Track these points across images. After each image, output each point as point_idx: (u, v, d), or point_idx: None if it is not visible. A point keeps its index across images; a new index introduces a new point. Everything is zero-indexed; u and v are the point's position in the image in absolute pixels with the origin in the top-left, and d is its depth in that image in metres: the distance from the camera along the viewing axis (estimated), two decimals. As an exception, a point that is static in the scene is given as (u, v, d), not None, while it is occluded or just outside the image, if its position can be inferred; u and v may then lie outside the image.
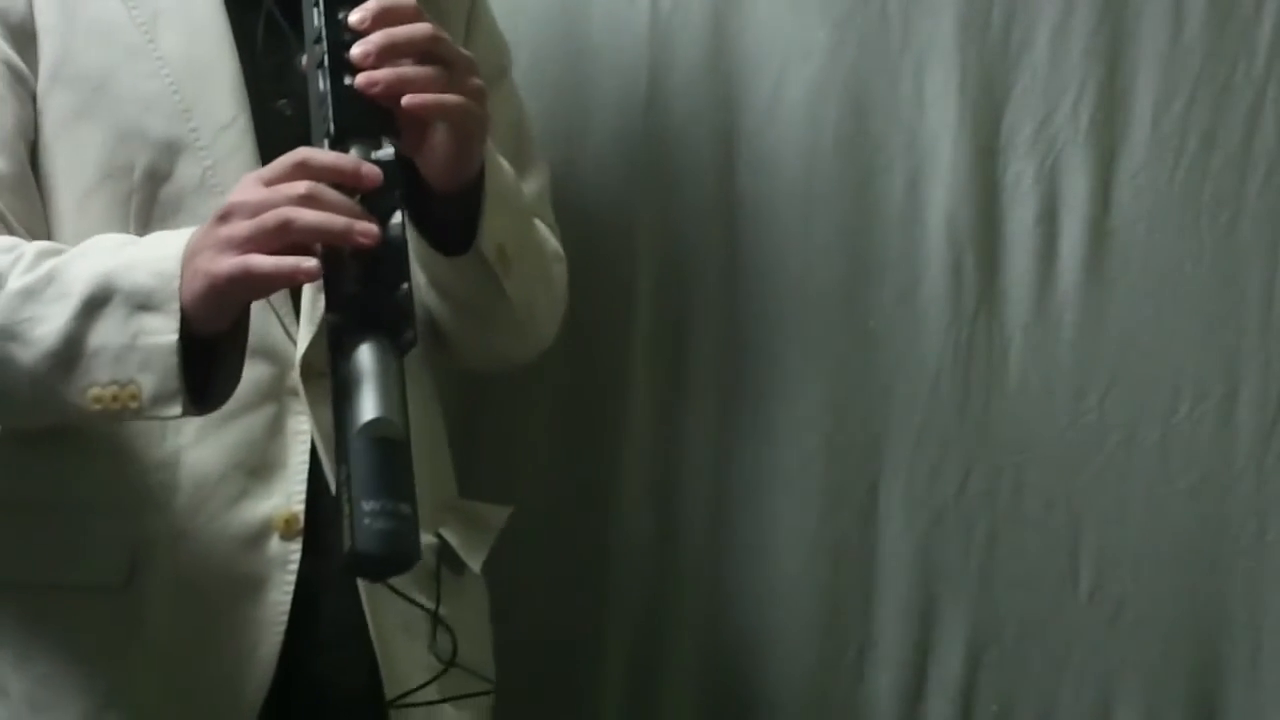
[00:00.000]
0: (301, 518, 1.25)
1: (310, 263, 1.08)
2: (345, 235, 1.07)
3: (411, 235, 1.22)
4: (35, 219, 1.25)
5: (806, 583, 1.66)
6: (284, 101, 1.18)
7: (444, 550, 1.34)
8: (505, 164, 1.31)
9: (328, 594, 1.25)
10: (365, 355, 1.07)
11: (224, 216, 1.11)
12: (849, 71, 1.66)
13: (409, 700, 1.25)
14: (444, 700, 1.29)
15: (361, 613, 1.26)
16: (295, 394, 1.25)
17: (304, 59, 1.16)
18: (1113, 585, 1.64)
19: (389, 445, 1.05)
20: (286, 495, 1.25)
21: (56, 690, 1.24)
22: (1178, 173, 1.64)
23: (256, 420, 1.25)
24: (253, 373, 1.22)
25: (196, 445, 1.24)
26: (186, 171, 1.25)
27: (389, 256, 1.09)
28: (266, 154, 1.21)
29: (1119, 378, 1.64)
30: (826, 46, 1.66)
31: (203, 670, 1.24)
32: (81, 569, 1.25)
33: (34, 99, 1.27)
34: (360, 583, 1.25)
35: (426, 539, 1.29)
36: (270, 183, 1.11)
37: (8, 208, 1.24)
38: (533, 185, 1.42)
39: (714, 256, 1.66)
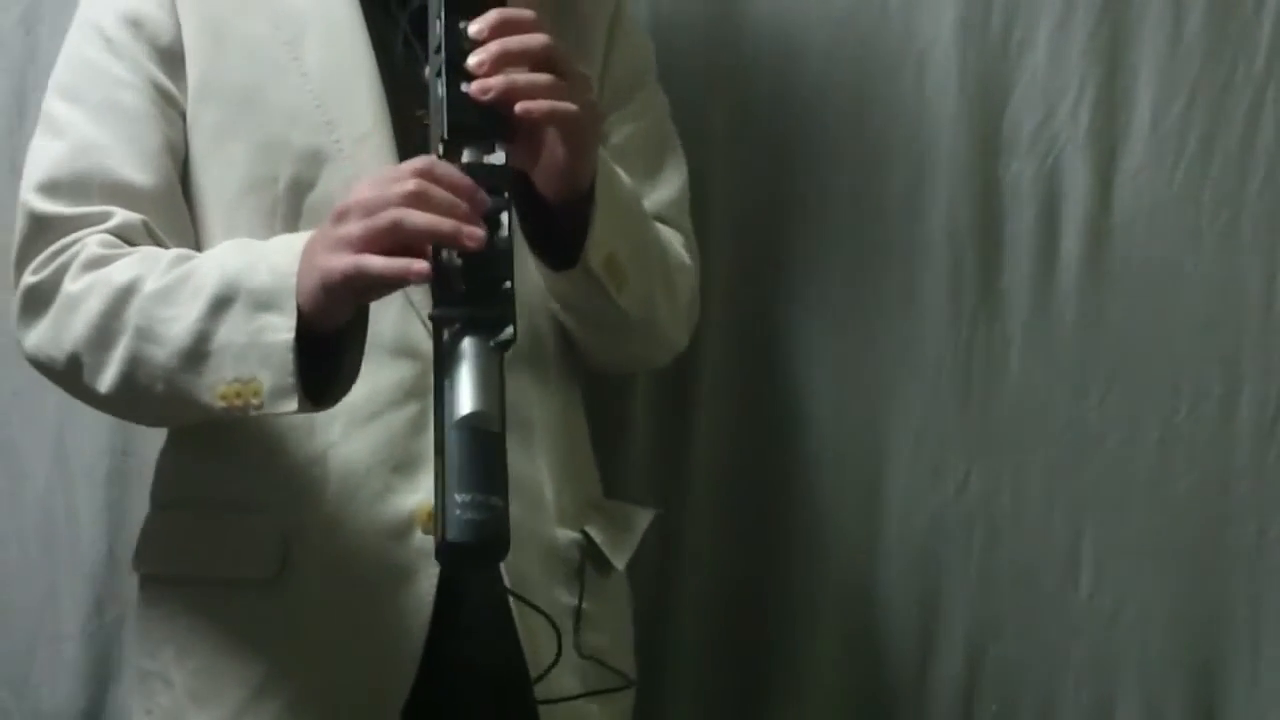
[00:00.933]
0: None
1: (420, 265, 1.11)
2: (453, 237, 1.11)
3: (528, 250, 1.27)
4: (183, 232, 1.30)
5: (807, 582, 1.66)
6: (423, 112, 1.21)
7: (589, 548, 1.37)
8: (622, 175, 1.34)
9: (472, 585, 1.28)
10: (466, 350, 1.11)
11: (340, 216, 1.15)
12: (849, 71, 1.66)
13: (550, 693, 1.28)
14: (586, 694, 1.32)
15: (506, 603, 1.28)
16: None
17: (427, 70, 1.19)
18: (1113, 585, 1.64)
19: (484, 437, 1.09)
20: (430, 490, 1.26)
21: (215, 681, 1.29)
22: (1178, 173, 1.64)
23: (400, 418, 1.29)
24: (395, 372, 1.28)
25: (344, 442, 1.28)
26: (329, 181, 1.29)
27: (495, 257, 1.13)
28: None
29: (1119, 378, 1.65)
30: (826, 46, 1.67)
31: (352, 658, 1.27)
32: (236, 563, 1.29)
33: (183, 118, 1.32)
34: (505, 577, 1.28)
35: (571, 535, 1.34)
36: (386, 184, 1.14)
37: (155, 221, 1.28)
38: (666, 192, 1.45)
39: (715, 256, 1.66)
